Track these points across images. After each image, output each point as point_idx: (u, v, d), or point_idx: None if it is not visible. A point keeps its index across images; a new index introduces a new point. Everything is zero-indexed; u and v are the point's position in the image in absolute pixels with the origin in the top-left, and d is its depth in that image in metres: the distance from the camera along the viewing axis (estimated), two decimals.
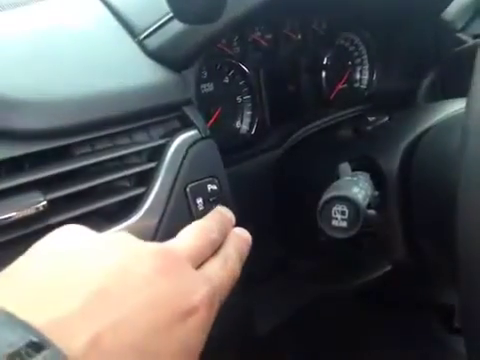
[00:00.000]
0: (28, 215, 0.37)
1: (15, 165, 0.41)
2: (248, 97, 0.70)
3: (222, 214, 0.41)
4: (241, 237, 0.39)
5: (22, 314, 0.22)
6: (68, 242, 0.29)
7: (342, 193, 0.38)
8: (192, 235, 0.34)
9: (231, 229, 0.39)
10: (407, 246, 0.50)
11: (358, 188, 0.39)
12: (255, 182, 0.62)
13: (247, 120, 0.70)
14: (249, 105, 0.70)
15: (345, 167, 0.45)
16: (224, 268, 0.34)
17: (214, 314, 0.31)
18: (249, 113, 0.70)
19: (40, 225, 0.38)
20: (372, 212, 0.39)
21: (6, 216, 0.36)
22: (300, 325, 0.68)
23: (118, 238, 0.31)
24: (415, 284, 0.73)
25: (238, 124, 0.70)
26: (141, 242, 0.31)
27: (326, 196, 0.40)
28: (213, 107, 0.66)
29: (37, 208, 0.38)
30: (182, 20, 0.35)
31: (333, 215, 0.39)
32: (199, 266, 0.32)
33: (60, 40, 0.50)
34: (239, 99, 0.69)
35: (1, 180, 0.38)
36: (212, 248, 0.34)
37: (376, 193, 0.44)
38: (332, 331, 0.75)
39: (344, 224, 0.38)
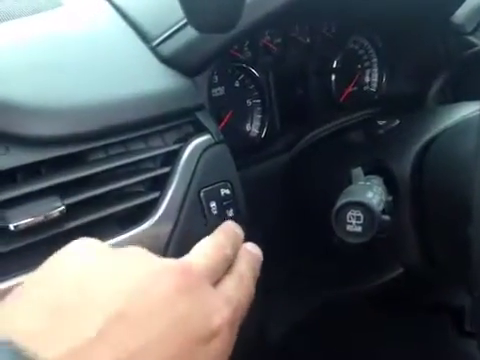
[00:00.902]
0: (47, 220, 0.38)
1: (32, 171, 0.41)
2: (258, 101, 0.70)
3: (232, 229, 0.39)
4: (253, 254, 0.37)
5: (33, 344, 0.21)
6: (83, 261, 0.27)
7: (357, 199, 0.38)
8: (207, 251, 0.32)
9: (241, 244, 0.37)
10: (420, 250, 0.50)
11: (372, 193, 0.40)
12: (265, 185, 0.62)
13: (257, 123, 0.71)
14: (259, 108, 0.70)
15: (358, 172, 0.45)
16: (240, 287, 0.32)
17: (235, 335, 0.29)
18: (259, 116, 0.71)
19: (58, 230, 0.39)
20: (386, 218, 0.39)
21: (25, 221, 0.37)
22: (312, 329, 0.68)
23: (134, 255, 0.29)
24: (427, 287, 0.73)
25: (248, 127, 0.71)
26: (158, 259, 0.29)
27: (341, 201, 0.40)
28: (224, 111, 0.67)
29: (55, 213, 0.38)
30: (198, 29, 0.35)
31: (348, 220, 0.39)
32: (215, 284, 0.30)
33: (75, 47, 0.50)
34: (249, 102, 0.70)
35: (19, 185, 0.39)
36: (226, 265, 0.33)
37: (390, 198, 0.44)
38: (344, 335, 0.75)
39: (359, 229, 0.38)
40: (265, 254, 0.54)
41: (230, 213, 0.48)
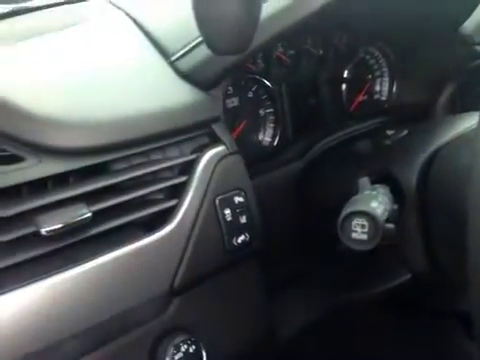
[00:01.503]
0: (75, 225, 0.41)
1: (61, 180, 0.45)
2: (271, 110, 0.73)
3: None
4: None
5: None
6: None
7: (362, 208, 0.41)
8: None
9: None
10: (425, 257, 0.52)
11: (377, 203, 0.42)
12: (277, 193, 0.65)
13: (270, 132, 0.74)
14: (272, 118, 0.73)
15: (364, 181, 0.47)
16: None
17: None
18: (272, 126, 0.73)
19: (85, 235, 0.42)
20: (391, 226, 0.42)
21: (56, 226, 0.40)
22: (320, 333, 0.70)
23: None
24: (434, 292, 0.74)
25: (261, 136, 0.73)
26: None
27: (346, 210, 0.42)
28: (237, 120, 0.70)
29: (82, 219, 0.42)
30: (214, 52, 0.38)
31: (353, 228, 0.41)
32: None
33: (100, 63, 0.54)
34: (262, 112, 0.73)
35: (50, 193, 0.43)
36: None
37: (395, 207, 0.46)
38: (351, 339, 0.77)
39: (364, 237, 0.41)
40: (275, 258, 0.57)
41: (243, 219, 0.51)
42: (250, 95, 0.71)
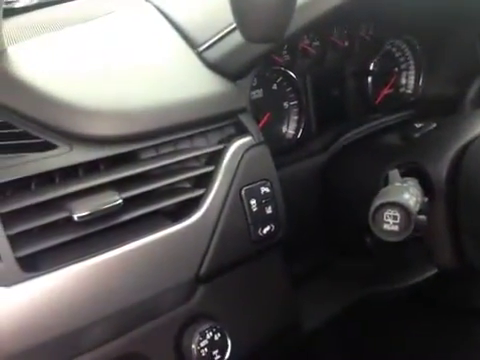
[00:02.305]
0: (107, 212, 0.42)
1: (92, 167, 0.46)
2: (295, 103, 0.72)
3: None
4: None
5: None
6: None
7: (394, 199, 0.40)
8: None
9: None
10: (453, 250, 0.51)
11: (409, 194, 0.41)
12: (302, 184, 0.65)
13: (293, 125, 0.73)
14: (296, 110, 0.73)
15: (395, 173, 0.47)
16: None
17: None
18: (295, 118, 0.73)
19: (116, 221, 0.43)
20: (423, 218, 0.41)
21: (88, 212, 0.41)
22: (344, 325, 0.70)
23: None
24: (460, 289, 0.73)
25: (285, 129, 0.73)
26: None
27: (379, 201, 0.42)
28: (261, 112, 0.70)
29: (114, 206, 0.42)
30: (249, 40, 0.38)
31: (385, 219, 0.41)
32: None
33: (128, 54, 0.55)
34: (286, 105, 0.72)
35: (81, 180, 0.44)
36: None
37: (425, 199, 0.45)
38: (372, 334, 0.77)
39: (395, 228, 0.40)
40: (299, 249, 0.57)
41: (269, 210, 0.51)
42: (274, 87, 0.71)
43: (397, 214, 0.40)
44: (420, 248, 0.56)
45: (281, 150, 0.69)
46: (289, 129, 0.73)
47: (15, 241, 0.38)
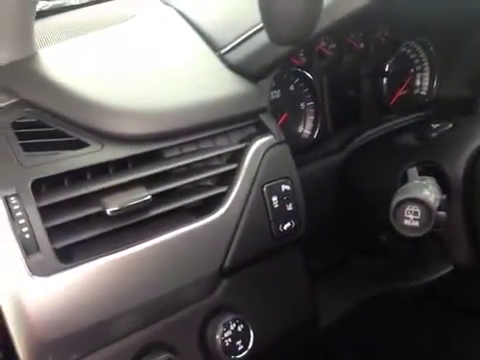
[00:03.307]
0: (137, 207, 0.44)
1: (121, 165, 0.48)
2: (311, 103, 0.74)
3: None
4: None
5: None
6: None
7: (415, 195, 0.42)
8: None
9: None
10: (469, 248, 0.52)
11: (429, 191, 0.43)
12: (319, 184, 0.66)
13: (310, 125, 0.75)
14: (312, 111, 0.74)
15: (413, 171, 0.48)
16: None
17: None
18: (312, 118, 0.75)
19: (145, 216, 0.45)
20: (442, 214, 0.42)
21: (121, 206, 0.43)
22: (358, 322, 0.71)
23: None
24: (475, 287, 0.74)
25: (301, 129, 0.75)
26: None
27: (400, 197, 0.43)
28: (279, 113, 0.71)
29: (143, 201, 0.44)
30: (274, 41, 0.39)
31: (406, 215, 0.42)
32: None
33: (152, 57, 0.57)
34: (303, 105, 0.74)
35: (112, 177, 0.46)
36: None
37: (444, 196, 0.47)
38: (388, 330, 0.78)
39: (416, 224, 0.42)
40: (316, 246, 0.58)
41: (289, 207, 0.53)
42: (291, 88, 0.72)
43: (418, 210, 0.41)
44: (435, 247, 0.58)
45: (297, 150, 0.70)
46: (306, 129, 0.75)
47: (52, 233, 0.40)
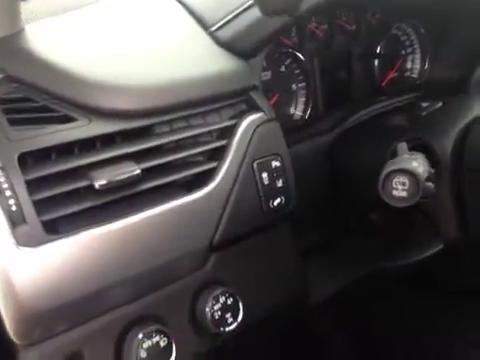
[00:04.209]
0: (126, 181, 0.44)
1: (109, 140, 0.47)
2: (303, 85, 0.74)
3: None
4: None
5: None
6: None
7: (403, 166, 0.42)
8: None
9: None
10: (458, 224, 0.53)
11: (417, 163, 0.43)
12: (308, 163, 0.66)
13: (301, 106, 0.75)
14: (303, 92, 0.74)
15: (403, 146, 0.48)
16: None
17: None
18: (303, 100, 0.74)
19: (134, 190, 0.45)
20: (430, 185, 0.43)
21: (109, 180, 0.43)
22: (347, 301, 0.72)
23: None
24: (463, 270, 0.75)
25: (292, 110, 0.74)
26: None
27: (388, 169, 0.43)
28: (270, 94, 0.71)
29: (132, 176, 0.44)
30: (264, 12, 0.39)
31: (394, 186, 0.43)
32: None
33: (141, 34, 0.56)
34: (294, 86, 0.74)
35: (100, 151, 0.45)
36: None
37: (432, 170, 0.47)
38: (373, 312, 0.78)
39: (404, 194, 0.42)
40: (306, 226, 0.58)
41: (279, 183, 0.53)
42: (283, 69, 0.72)
43: (406, 180, 0.42)
44: (425, 225, 0.58)
45: (288, 131, 0.70)
46: (297, 110, 0.75)
47: (40, 206, 0.40)
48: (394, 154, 0.49)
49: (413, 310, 0.82)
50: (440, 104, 0.61)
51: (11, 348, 0.40)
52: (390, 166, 0.44)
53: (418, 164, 0.43)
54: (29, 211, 0.39)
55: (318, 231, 0.67)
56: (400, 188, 0.42)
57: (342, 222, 0.67)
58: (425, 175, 0.43)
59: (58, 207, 0.41)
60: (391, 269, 0.66)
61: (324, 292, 0.65)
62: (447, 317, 0.81)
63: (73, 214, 0.42)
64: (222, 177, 0.50)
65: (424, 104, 0.62)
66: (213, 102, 0.53)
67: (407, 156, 0.46)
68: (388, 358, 0.81)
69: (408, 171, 0.42)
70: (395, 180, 0.42)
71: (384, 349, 0.81)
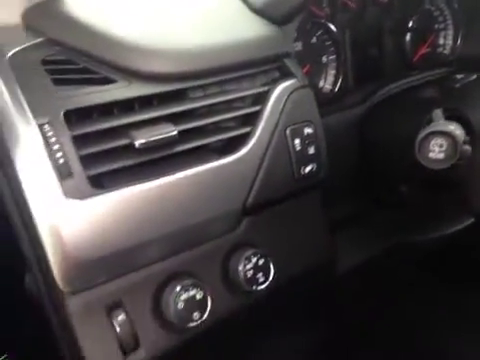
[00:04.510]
0: (164, 141, 0.45)
1: (146, 102, 0.49)
2: (333, 57, 0.73)
3: None
4: None
5: None
6: None
7: (441, 128, 0.42)
8: None
9: None
10: None
11: (455, 126, 0.43)
12: (339, 135, 0.66)
13: (331, 79, 0.74)
14: (334, 65, 0.74)
15: (438, 113, 0.48)
16: None
17: None
18: (333, 72, 0.74)
19: (171, 151, 0.46)
20: (467, 148, 0.43)
21: (148, 140, 0.44)
22: (376, 270, 0.72)
23: None
24: None
25: (322, 83, 0.74)
26: None
27: (426, 131, 0.43)
28: (301, 65, 0.71)
29: (170, 136, 0.45)
30: None
31: (431, 148, 0.43)
32: None
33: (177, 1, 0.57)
34: (324, 59, 0.73)
35: (139, 112, 0.47)
36: None
37: (468, 138, 0.47)
38: (400, 285, 0.79)
39: (441, 156, 0.42)
40: (336, 195, 0.59)
41: (311, 150, 0.54)
42: (314, 40, 0.72)
43: (444, 142, 0.42)
44: (455, 199, 0.58)
45: (318, 103, 0.70)
46: (326, 83, 0.74)
47: (85, 161, 0.42)
48: (430, 121, 0.49)
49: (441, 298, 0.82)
50: (474, 76, 0.60)
51: (58, 295, 0.43)
52: (427, 129, 0.44)
53: (455, 127, 0.43)
54: (76, 165, 0.41)
55: (347, 204, 0.67)
56: (437, 150, 0.42)
57: (371, 194, 0.68)
58: (462, 138, 0.43)
59: (102, 163, 0.43)
60: (420, 242, 0.66)
61: (352, 262, 0.65)
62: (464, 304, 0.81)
63: (115, 171, 0.43)
64: (255, 142, 0.50)
65: (458, 76, 0.61)
66: (246, 68, 0.53)
67: (443, 121, 0.46)
68: (408, 334, 0.81)
69: (446, 133, 0.42)
70: (432, 142, 0.42)
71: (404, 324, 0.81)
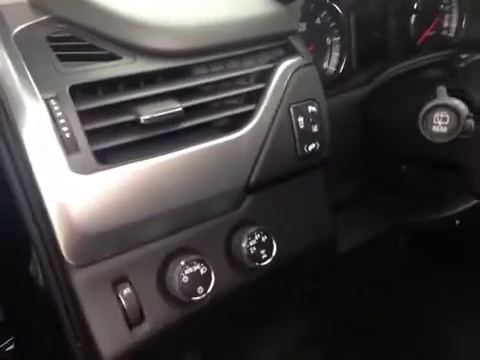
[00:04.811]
0: (169, 117, 0.45)
1: (150, 79, 0.49)
2: (337, 39, 0.73)
3: None
4: None
5: None
6: None
7: (445, 101, 0.42)
8: None
9: None
10: None
11: (459, 101, 0.43)
12: (342, 116, 0.66)
13: (334, 61, 0.74)
14: (338, 46, 0.74)
15: (442, 90, 0.48)
16: None
17: None
18: (337, 54, 0.74)
19: (176, 127, 0.46)
20: (470, 122, 0.43)
21: (153, 116, 0.44)
22: (376, 252, 0.73)
23: None
24: None
25: (325, 64, 0.74)
26: None
27: (429, 104, 0.44)
28: None
29: (175, 112, 0.46)
30: None
31: (434, 121, 0.43)
32: None
33: None
34: (329, 40, 0.73)
35: (144, 89, 0.47)
36: None
37: (471, 114, 0.47)
38: (398, 267, 0.79)
39: (444, 130, 0.42)
40: (338, 173, 0.59)
41: (315, 128, 0.54)
42: (318, 21, 0.72)
43: (447, 116, 0.42)
44: (456, 179, 0.58)
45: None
46: (330, 65, 0.74)
47: (91, 136, 0.42)
48: (434, 97, 0.49)
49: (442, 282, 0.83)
50: (479, 56, 0.60)
51: (65, 268, 0.43)
52: (431, 103, 0.44)
53: (459, 102, 0.43)
54: (82, 140, 0.41)
55: (349, 184, 0.68)
56: (440, 124, 0.42)
57: (373, 175, 0.68)
58: (466, 113, 0.43)
59: (107, 139, 0.43)
60: (421, 223, 0.67)
61: (351, 242, 0.66)
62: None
63: (121, 147, 0.44)
64: (259, 120, 0.51)
65: (463, 56, 0.61)
66: (251, 45, 0.53)
67: (447, 97, 0.46)
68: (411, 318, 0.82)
69: (450, 106, 0.42)
70: (436, 115, 0.43)
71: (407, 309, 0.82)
